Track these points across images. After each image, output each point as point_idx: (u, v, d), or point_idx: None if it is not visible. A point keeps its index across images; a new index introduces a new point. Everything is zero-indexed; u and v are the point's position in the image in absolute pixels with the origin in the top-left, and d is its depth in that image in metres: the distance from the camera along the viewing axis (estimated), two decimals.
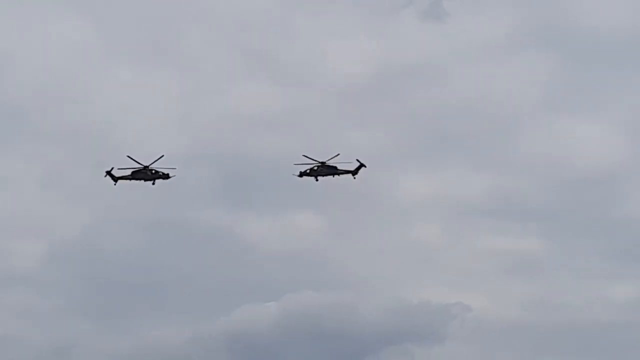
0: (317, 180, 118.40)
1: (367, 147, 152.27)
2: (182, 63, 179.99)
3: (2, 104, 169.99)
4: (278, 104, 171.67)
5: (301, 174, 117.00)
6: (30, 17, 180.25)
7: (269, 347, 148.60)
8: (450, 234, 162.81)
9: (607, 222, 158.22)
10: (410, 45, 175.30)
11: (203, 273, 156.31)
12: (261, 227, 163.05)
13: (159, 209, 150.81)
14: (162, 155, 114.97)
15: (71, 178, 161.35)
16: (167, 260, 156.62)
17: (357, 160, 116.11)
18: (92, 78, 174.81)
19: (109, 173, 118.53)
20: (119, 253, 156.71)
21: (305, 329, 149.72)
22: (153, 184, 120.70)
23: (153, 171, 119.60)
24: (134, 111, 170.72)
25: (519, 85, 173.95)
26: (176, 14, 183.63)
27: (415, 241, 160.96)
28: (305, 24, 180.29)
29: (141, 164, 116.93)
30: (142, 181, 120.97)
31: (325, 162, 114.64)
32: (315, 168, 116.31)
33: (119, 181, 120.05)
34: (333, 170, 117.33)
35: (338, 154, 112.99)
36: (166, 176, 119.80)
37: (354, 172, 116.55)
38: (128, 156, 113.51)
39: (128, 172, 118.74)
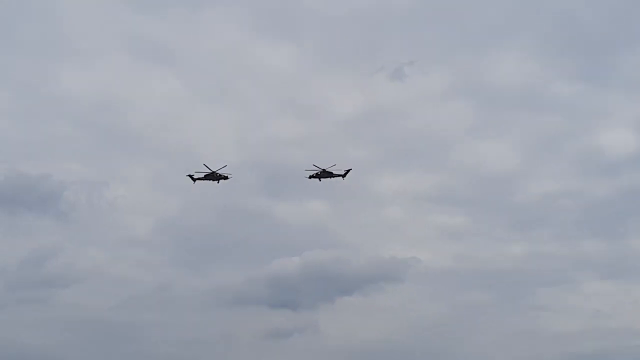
0: (320, 180, 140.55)
1: (356, 159, 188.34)
2: (239, 105, 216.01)
3: (127, 132, 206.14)
4: (299, 132, 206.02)
5: (310, 177, 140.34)
6: (140, 75, 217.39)
7: (295, 285, 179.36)
8: (409, 213, 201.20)
9: (507, 205, 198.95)
10: (383, 96, 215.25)
11: (252, 238, 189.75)
12: (288, 209, 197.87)
13: (223, 199, 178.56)
14: (225, 165, 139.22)
15: (169, 179, 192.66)
16: (230, 231, 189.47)
17: (345, 171, 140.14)
18: (182, 115, 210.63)
19: (190, 176, 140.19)
20: (199, 226, 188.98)
21: (317, 273, 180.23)
22: (218, 182, 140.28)
23: (218, 174, 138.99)
24: (208, 136, 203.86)
25: (454, 120, 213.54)
26: (235, 70, 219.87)
27: (386, 218, 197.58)
28: (318, 81, 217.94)
29: (211, 170, 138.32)
30: (211, 181, 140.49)
31: (325, 169, 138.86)
32: (319, 173, 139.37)
33: (197, 181, 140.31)
34: (330, 174, 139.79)
35: (334, 164, 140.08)
36: (227, 178, 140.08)
37: (344, 175, 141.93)
38: (204, 164, 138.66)
39: (202, 175, 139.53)
